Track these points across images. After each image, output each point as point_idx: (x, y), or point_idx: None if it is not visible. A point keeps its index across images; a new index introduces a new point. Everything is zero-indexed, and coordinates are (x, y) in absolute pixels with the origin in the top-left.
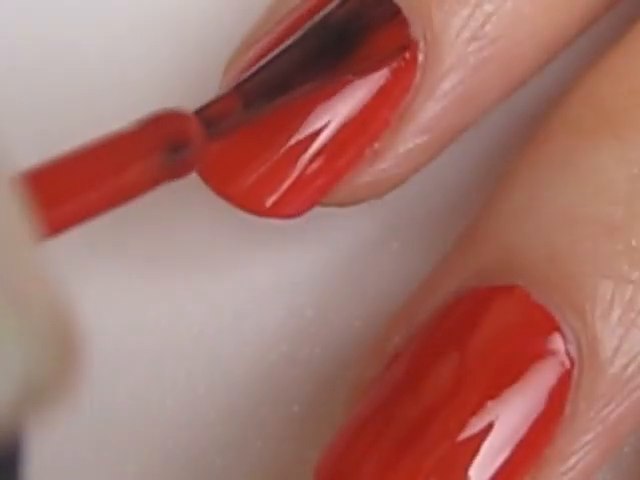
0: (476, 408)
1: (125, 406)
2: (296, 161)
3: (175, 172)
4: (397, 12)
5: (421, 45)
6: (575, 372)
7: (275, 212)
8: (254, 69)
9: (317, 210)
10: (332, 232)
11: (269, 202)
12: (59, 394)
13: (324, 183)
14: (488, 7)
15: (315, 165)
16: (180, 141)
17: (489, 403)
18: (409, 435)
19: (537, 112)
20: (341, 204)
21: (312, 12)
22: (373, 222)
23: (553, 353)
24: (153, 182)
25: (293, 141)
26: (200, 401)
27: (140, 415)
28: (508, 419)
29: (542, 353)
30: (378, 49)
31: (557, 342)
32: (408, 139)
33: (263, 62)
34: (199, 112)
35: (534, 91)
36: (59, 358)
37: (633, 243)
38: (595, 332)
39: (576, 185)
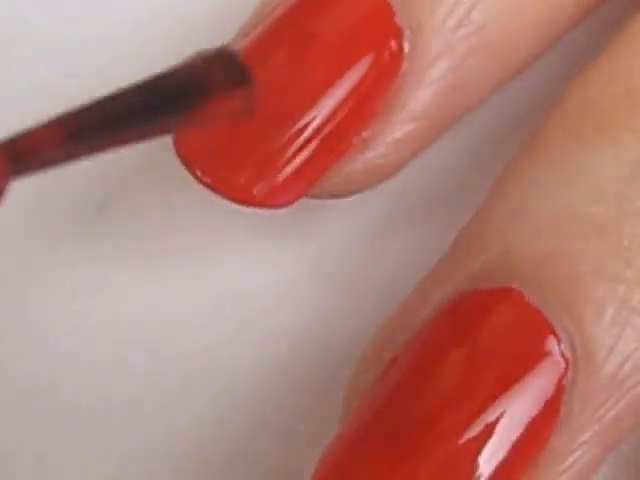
0: (473, 411)
1: (125, 406)
2: (284, 151)
3: None
4: (243, 78)
5: (407, 33)
6: (570, 373)
7: (263, 202)
8: (88, 104)
9: (318, 210)
10: (332, 232)
11: (257, 192)
12: None
13: (313, 173)
14: None
15: (303, 155)
16: None
17: (486, 406)
18: (408, 438)
19: (539, 111)
20: (333, 195)
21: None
22: (373, 222)
23: (547, 354)
24: None
25: (281, 132)
26: (200, 401)
27: (140, 415)
28: (505, 421)
29: (536, 355)
30: (218, 109)
31: (551, 343)
32: (397, 127)
33: (99, 100)
34: (11, 142)
35: (537, 91)
36: None
37: (625, 243)
38: (588, 332)
39: (569, 187)
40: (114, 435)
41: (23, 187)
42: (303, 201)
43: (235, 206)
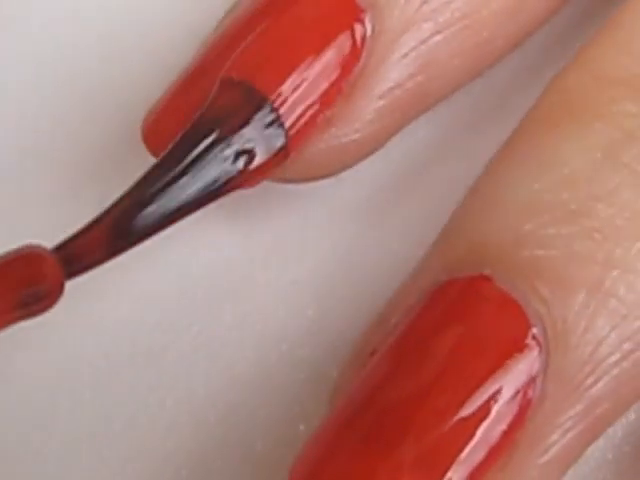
0: (450, 402)
1: (125, 406)
2: None
3: (30, 312)
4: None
5: (369, 14)
6: (542, 355)
7: None
8: (130, 203)
9: (317, 210)
10: (333, 232)
11: None
12: None
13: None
14: None
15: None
16: (34, 283)
17: (463, 396)
18: (384, 431)
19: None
20: (300, 178)
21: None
22: (373, 222)
23: (518, 338)
24: (8, 322)
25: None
26: (200, 401)
27: (140, 415)
28: (482, 409)
29: (508, 339)
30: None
31: (522, 327)
32: (362, 105)
33: (131, 188)
34: (60, 248)
35: (535, 92)
36: None
37: (596, 225)
38: (559, 314)
39: (540, 175)
40: (114, 435)
41: (24, 186)
42: (303, 201)
43: (236, 207)
